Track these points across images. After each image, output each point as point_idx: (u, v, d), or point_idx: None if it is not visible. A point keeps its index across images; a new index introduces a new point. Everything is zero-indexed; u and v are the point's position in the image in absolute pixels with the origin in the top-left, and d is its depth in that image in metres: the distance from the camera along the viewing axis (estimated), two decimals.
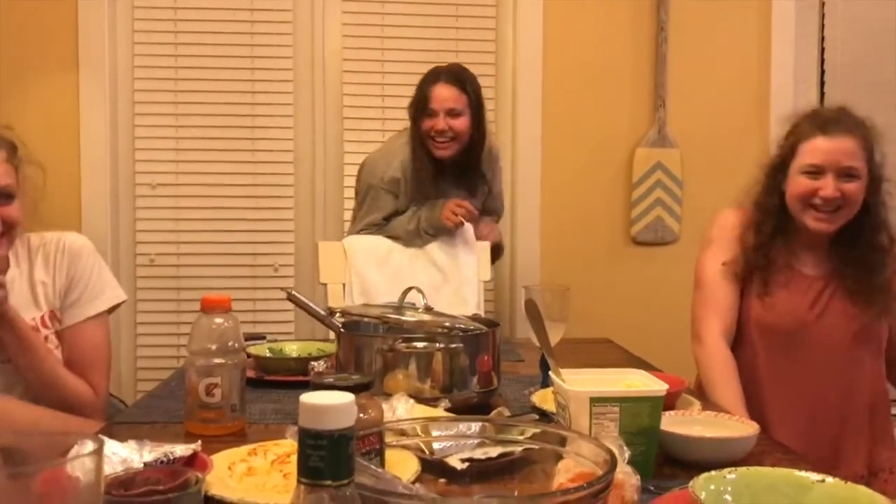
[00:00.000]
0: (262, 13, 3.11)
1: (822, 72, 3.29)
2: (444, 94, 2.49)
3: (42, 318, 1.72)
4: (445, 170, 2.56)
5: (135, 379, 3.10)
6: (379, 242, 2.51)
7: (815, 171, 1.79)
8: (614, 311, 3.08)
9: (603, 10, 3.20)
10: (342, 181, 3.15)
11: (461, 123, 2.50)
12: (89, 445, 0.62)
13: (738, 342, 1.86)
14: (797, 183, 1.81)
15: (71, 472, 0.67)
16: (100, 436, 0.74)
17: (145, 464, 1.00)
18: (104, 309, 1.78)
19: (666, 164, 3.21)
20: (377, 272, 2.44)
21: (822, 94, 3.28)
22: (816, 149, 1.79)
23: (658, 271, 3.20)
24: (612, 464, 0.79)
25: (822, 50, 3.29)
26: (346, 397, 0.60)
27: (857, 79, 3.26)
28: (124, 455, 1.00)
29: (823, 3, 3.28)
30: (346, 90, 3.15)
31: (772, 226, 1.84)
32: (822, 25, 3.29)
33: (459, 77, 2.54)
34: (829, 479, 0.96)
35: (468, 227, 2.54)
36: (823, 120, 1.82)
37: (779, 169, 1.87)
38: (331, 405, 0.59)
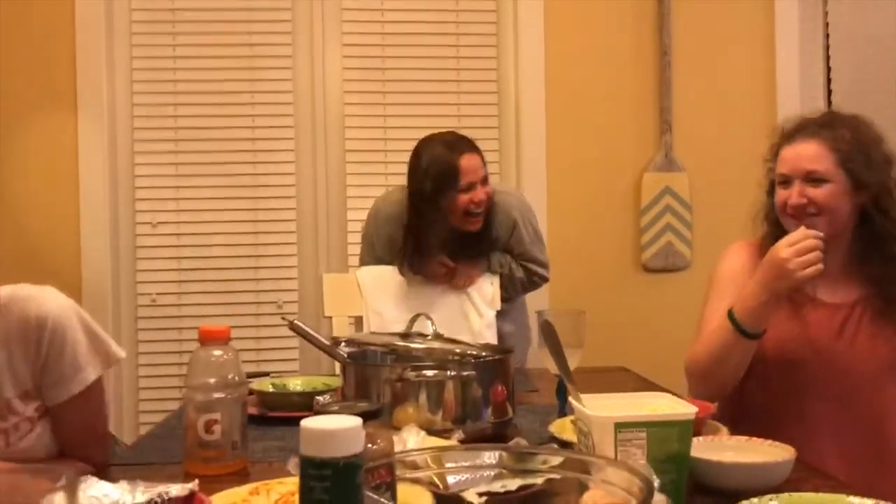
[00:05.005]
0: (261, 48, 3.08)
1: (829, 91, 3.25)
2: (475, 164, 2.28)
3: (8, 403, 1.33)
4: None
5: (137, 422, 3.03)
6: (393, 272, 2.40)
7: (785, 181, 1.71)
8: (626, 340, 2.99)
9: (605, 35, 3.17)
10: (345, 214, 3.10)
11: (491, 190, 2.34)
12: (63, 480, 0.55)
13: (750, 380, 1.68)
14: (777, 195, 1.73)
15: None
16: (85, 474, 0.67)
17: None
18: (92, 381, 1.38)
19: (674, 189, 3.15)
20: (393, 304, 2.34)
21: None
22: (782, 158, 1.72)
23: (670, 298, 3.12)
24: (647, 491, 0.72)
25: (829, 69, 3.25)
26: (353, 420, 0.54)
27: (864, 98, 3.21)
28: (115, 497, 0.93)
29: (827, 25, 3.25)
30: (347, 122, 3.11)
31: None
32: (827, 45, 3.25)
33: (474, 144, 2.34)
34: None
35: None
36: (790, 128, 1.74)
37: (771, 188, 1.78)
38: (336, 429, 0.53)
